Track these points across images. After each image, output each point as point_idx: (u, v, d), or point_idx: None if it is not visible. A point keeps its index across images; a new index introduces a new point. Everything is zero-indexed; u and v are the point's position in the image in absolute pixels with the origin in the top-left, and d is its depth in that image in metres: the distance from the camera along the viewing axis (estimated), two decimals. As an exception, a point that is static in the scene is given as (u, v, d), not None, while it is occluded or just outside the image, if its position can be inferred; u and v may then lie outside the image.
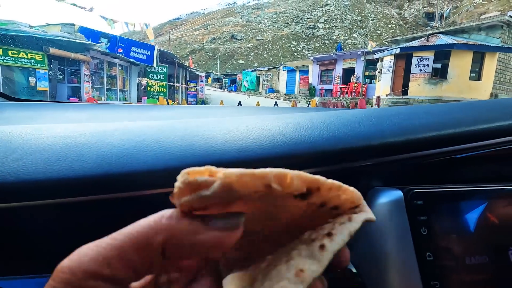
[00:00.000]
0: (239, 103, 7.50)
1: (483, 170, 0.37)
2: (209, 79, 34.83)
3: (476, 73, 12.54)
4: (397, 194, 0.31)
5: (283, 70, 25.14)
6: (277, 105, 7.66)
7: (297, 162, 0.33)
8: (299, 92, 22.04)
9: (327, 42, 49.38)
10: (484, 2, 38.99)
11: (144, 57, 12.82)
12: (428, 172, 0.36)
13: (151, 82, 13.67)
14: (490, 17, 15.04)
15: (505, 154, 0.36)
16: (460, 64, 12.38)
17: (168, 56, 15.64)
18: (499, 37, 12.42)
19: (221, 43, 58.09)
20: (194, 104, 15.49)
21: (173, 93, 16.34)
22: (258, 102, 8.13)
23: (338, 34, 49.59)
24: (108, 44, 11.59)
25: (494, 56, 12.39)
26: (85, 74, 10.25)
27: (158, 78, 14.03)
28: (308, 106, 8.14)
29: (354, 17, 52.61)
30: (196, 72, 20.74)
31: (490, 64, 12.45)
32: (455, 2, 46.95)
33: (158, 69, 13.98)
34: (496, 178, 0.36)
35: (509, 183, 0.33)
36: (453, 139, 0.35)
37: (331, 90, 19.94)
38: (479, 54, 12.35)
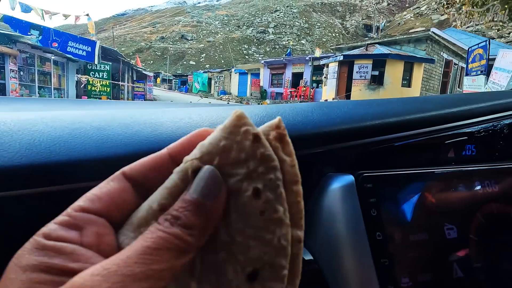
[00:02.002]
0: None
1: (420, 156, 0.40)
2: (158, 80, 33.38)
3: (407, 81, 14.05)
4: (349, 178, 0.32)
5: (235, 73, 25.26)
6: (229, 107, 7.65)
7: None
8: (251, 95, 22.33)
9: (277, 47, 50.98)
10: (412, 19, 43.96)
11: (84, 53, 11.74)
12: (374, 159, 0.38)
13: (92, 80, 12.60)
14: (417, 31, 17.02)
15: (437, 142, 0.40)
16: (394, 72, 13.76)
17: (112, 54, 14.60)
18: (424, 50, 14.10)
19: (170, 43, 56.19)
20: (142, 105, 14.64)
21: (118, 93, 15.28)
22: (210, 103, 7.99)
23: (288, 40, 51.53)
24: (40, 37, 10.36)
25: (421, 66, 14.02)
26: (11, 69, 9.04)
27: (100, 76, 12.99)
28: (260, 108, 8.34)
29: (302, 25, 55.19)
30: (144, 72, 19.71)
31: (418, 73, 14.06)
32: (388, 16, 52.11)
33: (101, 66, 12.95)
34: (431, 163, 0.39)
35: (442, 167, 0.36)
36: (394, 127, 0.37)
37: (282, 93, 20.60)
38: (409, 64, 13.87)
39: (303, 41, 51.44)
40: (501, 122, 0.44)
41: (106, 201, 0.17)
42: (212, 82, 28.23)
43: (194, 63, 48.35)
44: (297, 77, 20.48)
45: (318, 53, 17.99)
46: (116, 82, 14.25)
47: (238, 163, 0.18)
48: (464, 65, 12.40)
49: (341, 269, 0.29)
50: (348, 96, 14.67)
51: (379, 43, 15.34)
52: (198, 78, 28.78)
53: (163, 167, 0.18)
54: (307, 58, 20.04)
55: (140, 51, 52.33)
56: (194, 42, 55.47)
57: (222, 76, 27.48)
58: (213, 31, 58.23)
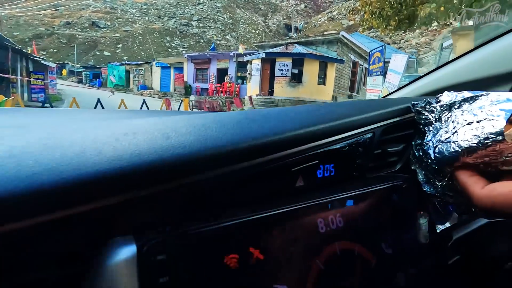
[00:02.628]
0: (98, 102, 6.34)
1: (257, 194, 0.32)
2: (64, 72, 29.15)
3: (322, 79, 15.32)
4: (128, 250, 0.23)
5: (156, 66, 23.71)
6: (146, 104, 7.02)
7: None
8: (175, 90, 21.33)
9: (202, 41, 49.85)
10: (326, 22, 48.20)
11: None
12: (189, 204, 0.27)
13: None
14: (329, 34, 18.69)
15: (281, 170, 0.32)
16: (311, 70, 14.84)
17: (-4, 38, 12.02)
18: (336, 51, 15.57)
19: (78, 30, 49.52)
20: (42, 101, 12.51)
21: (8, 88, 12.71)
22: (122, 100, 7.16)
23: (212, 34, 50.83)
24: None
25: (333, 65, 15.45)
26: None
27: (-21, 65, 10.55)
28: (180, 106, 7.83)
29: (226, 20, 55.10)
30: (44, 62, 16.84)
31: (331, 72, 15.47)
32: (306, 18, 56.06)
33: (-20, 54, 10.53)
34: (271, 199, 0.32)
35: (275, 209, 0.28)
36: (221, 159, 0.28)
37: (207, 89, 20.23)
38: (324, 63, 15.14)
39: (227, 37, 51.45)
40: (363, 137, 0.40)
41: None
42: (131, 75, 25.95)
43: (109, 54, 43.70)
44: (222, 72, 20.36)
45: (241, 49, 18.18)
46: (4, 76, 11.79)
47: None
48: (367, 66, 14.18)
49: None
50: (271, 93, 15.25)
51: (297, 43, 16.32)
52: (113, 71, 26.07)
53: None
54: (231, 54, 20.08)
55: (39, 37, 44.73)
56: (108, 31, 50.06)
57: (142, 70, 25.49)
58: (130, 19, 53.49)
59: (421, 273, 0.39)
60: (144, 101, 6.89)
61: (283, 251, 0.28)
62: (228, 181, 0.28)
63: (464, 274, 0.45)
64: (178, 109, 8.05)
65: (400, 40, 29.66)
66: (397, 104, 0.46)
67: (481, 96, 0.34)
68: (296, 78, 15.06)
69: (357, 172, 0.39)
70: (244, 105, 14.48)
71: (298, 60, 14.92)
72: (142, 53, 43.97)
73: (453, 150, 0.33)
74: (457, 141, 0.32)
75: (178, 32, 51.24)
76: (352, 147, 0.37)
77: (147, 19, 54.43)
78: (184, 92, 21.14)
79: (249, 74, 16.77)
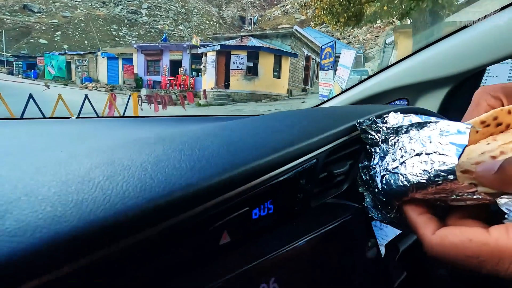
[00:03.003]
0: (30, 98, 5.40)
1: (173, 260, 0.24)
2: (-10, 61, 25.54)
3: (278, 72, 15.53)
4: None
5: (102, 57, 21.92)
6: (89, 100, 6.37)
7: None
8: (124, 83, 19.98)
9: (153, 31, 47.27)
10: (280, 16, 48.81)
11: None
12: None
13: None
14: (283, 28, 18.96)
15: (200, 227, 0.25)
16: (266, 64, 14.94)
17: None
18: (290, 45, 15.86)
19: (6, 13, 43.65)
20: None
21: None
22: (60, 96, 6.34)
23: (164, 24, 48.42)
24: None
25: (288, 59, 15.73)
26: None
27: None
28: (128, 101, 7.26)
29: (178, 9, 52.83)
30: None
31: (285, 66, 15.74)
32: (260, 11, 56.16)
33: None
34: (190, 266, 0.25)
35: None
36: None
37: (160, 82, 19.28)
38: (278, 57, 15.33)
39: (180, 27, 49.45)
40: (306, 165, 0.35)
41: None
42: (73, 66, 23.65)
43: (46, 42, 39.32)
44: (176, 65, 19.56)
45: (195, 40, 17.59)
46: None
47: None
48: (319, 61, 14.68)
49: None
50: (227, 86, 15.06)
51: (252, 36, 16.27)
52: (51, 61, 23.52)
53: None
54: (185, 45, 19.34)
55: (-44, 20, 38.53)
56: (44, 16, 44.88)
57: (85, 60, 23.38)
58: (70, 4, 48.52)
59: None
60: (86, 97, 6.22)
61: None
62: (128, 257, 0.21)
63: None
64: (126, 105, 7.48)
65: (349, 36, 31.26)
66: (344, 121, 0.42)
67: (429, 123, 0.30)
68: (252, 71, 15.05)
69: (300, 204, 0.35)
70: (200, 99, 14.10)
71: (253, 53, 14.90)
72: (86, 42, 40.32)
73: (401, 184, 0.29)
74: (405, 174, 0.29)
75: (126, 20, 47.87)
76: (293, 179, 0.32)
77: (90, 4, 49.87)
78: (135, 85, 19.90)
79: (203, 66, 16.34)
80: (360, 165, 0.40)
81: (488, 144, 0.25)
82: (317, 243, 0.31)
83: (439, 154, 0.26)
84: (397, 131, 0.34)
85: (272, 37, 16.20)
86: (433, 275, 0.47)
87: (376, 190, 0.34)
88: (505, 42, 0.63)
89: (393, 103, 1.04)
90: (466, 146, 0.24)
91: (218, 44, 15.36)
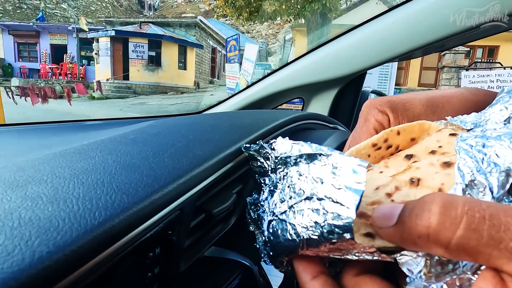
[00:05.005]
0: None
1: None
2: None
3: (183, 63, 14.88)
4: None
5: None
6: None
7: None
8: (-16, 70, 15.80)
9: (26, 7, 38.75)
10: (183, 4, 46.86)
11: None
12: None
13: None
14: (187, 17, 18.21)
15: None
16: (170, 54, 14.11)
17: None
18: (194, 35, 15.37)
19: None
20: None
21: None
22: None
23: (40, 0, 40.27)
24: None
25: (193, 50, 15.23)
26: None
27: None
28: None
29: (59, -16, 44.68)
30: None
31: (191, 57, 15.21)
32: (162, -4, 52.69)
33: None
34: None
35: None
36: None
37: (39, 70, 15.97)
38: (183, 47, 14.67)
39: (64, 6, 42.04)
40: (165, 220, 0.26)
41: None
42: None
43: None
44: (60, 50, 16.52)
45: (83, 23, 15.18)
46: None
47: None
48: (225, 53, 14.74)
49: None
50: (126, 77, 13.60)
51: (153, 23, 15.07)
52: None
53: None
54: (70, 27, 16.48)
55: None
56: None
57: None
58: None
59: None
60: None
61: None
62: None
63: None
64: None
65: (253, 30, 32.43)
66: (226, 146, 0.32)
67: (320, 156, 0.24)
68: (155, 62, 13.99)
69: (155, 282, 0.25)
70: (93, 91, 12.31)
71: (155, 42, 13.85)
72: None
73: (290, 238, 0.24)
74: (294, 225, 0.24)
75: (-18, -10, 37.77)
76: (142, 247, 0.23)
77: None
78: (2, 73, 15.96)
79: (96, 54, 14.32)
80: (248, 199, 0.31)
81: (381, 172, 0.24)
82: None
83: (333, 201, 0.22)
84: (285, 162, 0.27)
85: (175, 26, 15.37)
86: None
87: (265, 239, 0.27)
88: (385, 47, 0.65)
89: (289, 102, 1.04)
90: (363, 192, 0.20)
91: (113, 29, 13.66)
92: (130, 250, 0.22)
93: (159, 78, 13.88)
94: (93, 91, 12.32)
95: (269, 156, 0.30)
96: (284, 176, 0.27)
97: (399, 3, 0.64)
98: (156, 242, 0.25)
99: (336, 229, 0.21)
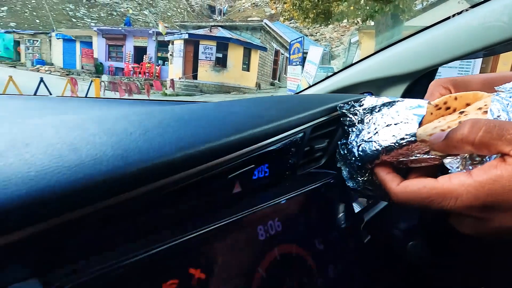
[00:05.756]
0: None
1: (191, 208, 0.29)
2: None
3: (247, 65, 15.51)
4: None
5: (57, 38, 20.20)
6: (44, 84, 5.86)
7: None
8: (82, 68, 18.65)
9: (115, 13, 44.45)
10: (249, 8, 48.53)
11: None
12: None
13: None
14: (253, 20, 18.91)
15: (217, 180, 0.30)
16: (235, 56, 14.84)
17: None
18: (259, 38, 15.89)
19: None
20: None
21: None
22: (11, 78, 5.77)
23: (127, 7, 45.73)
24: None
25: (257, 52, 15.77)
26: None
27: None
28: (89, 87, 6.78)
29: (143, -7, 50.12)
30: None
31: (255, 59, 15.76)
32: (230, 1, 55.34)
33: None
34: (208, 211, 0.30)
35: (210, 224, 0.27)
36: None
37: (123, 69, 18.29)
38: (248, 49, 15.30)
39: (145, 12, 47.04)
40: (295, 137, 0.41)
41: None
42: (22, 47, 21.49)
43: (-12, 17, 35.22)
44: (141, 51, 18.66)
45: (162, 27, 16.88)
46: None
47: None
48: (288, 56, 14.94)
49: None
50: (195, 76, 14.74)
51: (222, 26, 16.03)
52: (-3, 40, 21.17)
53: None
54: (150, 31, 18.50)
55: None
56: (-13, -12, 40.06)
57: (37, 41, 21.39)
58: (18, -23, 43.79)
59: (346, 256, 0.43)
60: (41, 80, 5.70)
61: (225, 266, 0.27)
62: (157, 198, 0.24)
63: (378, 251, 0.52)
64: (88, 90, 6.99)
65: (316, 33, 32.06)
66: (325, 103, 0.48)
67: (397, 102, 0.38)
68: (221, 63, 14.87)
69: (289, 170, 0.40)
70: (166, 88, 13.66)
71: (223, 44, 14.71)
72: (37, 21, 36.78)
73: (374, 149, 0.37)
74: (378, 141, 0.36)
75: (84, 0, 44.42)
76: (285, 147, 0.38)
77: (42, -21, 45.43)
78: (95, 70, 18.68)
79: (170, 55, 15.80)
80: (339, 142, 0.47)
81: (439, 122, 0.33)
82: (304, 197, 0.38)
83: (405, 123, 0.34)
84: (371, 110, 0.41)
85: (241, 29, 16.10)
86: (390, 235, 0.57)
87: (353, 159, 0.41)
88: (454, 45, 0.74)
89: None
90: (424, 117, 0.33)
91: (186, 33, 14.92)
92: (279, 146, 0.36)
93: (224, 78, 14.72)
94: (166, 88, 13.65)
95: (357, 112, 0.45)
96: (370, 120, 0.42)
97: (478, 1, 0.71)
98: (290, 147, 0.40)
99: (406, 136, 0.34)
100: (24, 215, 0.17)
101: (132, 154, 0.22)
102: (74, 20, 39.53)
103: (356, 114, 0.45)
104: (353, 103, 0.46)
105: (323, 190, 0.41)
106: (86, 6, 43.70)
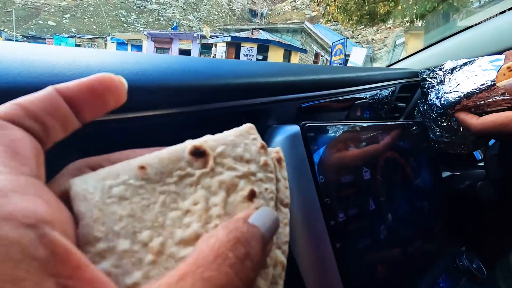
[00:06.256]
0: None
1: (338, 113, 0.45)
2: (0, 39, 25.67)
3: (286, 67, 15.61)
4: (295, 128, 0.33)
5: (112, 42, 22.03)
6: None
7: (194, 94, 0.29)
8: (133, 69, 20.08)
9: (162, 19, 47.12)
10: (290, 11, 48.57)
11: None
12: (303, 113, 0.41)
13: None
14: (294, 23, 18.99)
15: (349, 103, 0.46)
16: (275, 58, 15.05)
17: None
18: (300, 40, 15.94)
19: (16, -7, 43.54)
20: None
21: None
22: None
23: (173, 13, 48.26)
24: None
25: (297, 54, 15.83)
26: None
27: None
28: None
29: (188, -1, 52.53)
30: (-25, 26, 14.65)
31: (294, 61, 15.84)
32: (270, 5, 55.82)
33: None
34: (346, 118, 0.46)
35: (358, 121, 0.42)
36: (324, 84, 0.41)
37: (168, 70, 19.35)
38: (288, 51, 15.43)
39: (190, 17, 49.26)
40: (383, 92, 0.55)
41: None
42: (82, 50, 23.79)
43: (54, 24, 39.30)
44: (185, 53, 19.65)
45: (206, 31, 17.66)
46: None
47: (241, 160, 0.17)
48: (328, 58, 14.78)
49: (292, 209, 0.30)
50: (235, 78, 15.16)
51: (263, 29, 16.35)
52: (61, 43, 23.62)
53: (59, 111, 0.14)
54: (195, 35, 19.42)
55: (-34, -3, 38.50)
56: (53, -2, 44.79)
57: (95, 44, 23.52)
58: (80, -13, 48.31)
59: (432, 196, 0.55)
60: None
61: (367, 149, 0.42)
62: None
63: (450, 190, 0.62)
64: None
65: (358, 35, 31.17)
66: (409, 72, 0.62)
67: (476, 59, 0.50)
68: (261, 65, 15.14)
69: (383, 115, 0.55)
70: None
71: (263, 47, 15.01)
72: (94, 26, 40.30)
73: (456, 96, 0.49)
74: (459, 90, 0.49)
75: (135, 7, 47.71)
76: (378, 98, 0.52)
77: (99, -12, 49.64)
78: (143, 71, 19.98)
79: (213, 57, 16.44)
80: (418, 101, 0.60)
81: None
82: (403, 128, 0.52)
83: (484, 73, 0.46)
84: (452, 70, 0.54)
85: (282, 32, 16.28)
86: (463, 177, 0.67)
87: (434, 109, 0.54)
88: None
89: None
90: (498, 76, 0.43)
91: (229, 35, 15.45)
92: (389, 90, 0.54)
93: (263, 79, 14.97)
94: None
95: (437, 76, 0.58)
96: (450, 78, 0.54)
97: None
98: (381, 101, 0.55)
99: (486, 82, 0.44)
100: None
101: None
102: (125, 25, 42.69)
103: (435, 78, 0.58)
104: (433, 68, 0.58)
105: (417, 128, 0.54)
106: (136, 12, 46.92)
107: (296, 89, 0.38)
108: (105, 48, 22.66)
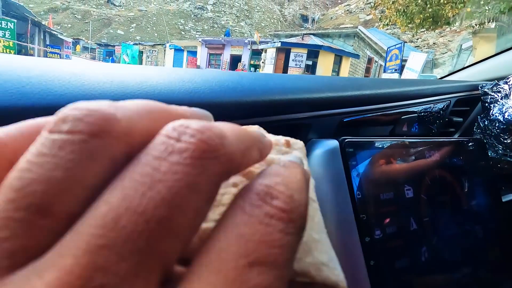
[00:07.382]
0: None
1: (382, 128, 0.45)
2: (78, 47, 29.30)
3: (336, 73, 15.22)
4: (333, 143, 0.34)
5: (170, 48, 23.72)
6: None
7: (236, 110, 0.31)
8: (187, 74, 21.35)
9: (216, 26, 49.37)
10: (343, 15, 47.28)
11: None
12: (345, 128, 0.41)
13: (-11, 39, 10.37)
14: (346, 27, 18.44)
15: (395, 117, 0.45)
16: (325, 63, 14.75)
17: (17, 9, 12.19)
18: (352, 45, 15.42)
19: (93, 6, 49.36)
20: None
21: (26, 58, 12.89)
22: None
23: (227, 20, 50.29)
24: None
25: (348, 60, 15.33)
26: None
27: (1, 35, 10.76)
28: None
29: (241, 6, 54.29)
30: (60, 36, 17.01)
31: (345, 66, 15.36)
32: (323, 10, 54.98)
33: (1, 23, 10.71)
34: (391, 134, 0.45)
35: (402, 137, 0.41)
36: (367, 100, 0.41)
37: (219, 75, 20.17)
38: (339, 57, 15.02)
39: (242, 23, 50.83)
40: (436, 105, 0.52)
41: None
42: (144, 56, 26.03)
43: (122, 32, 43.66)
44: (236, 59, 20.31)
45: (256, 37, 18.05)
46: (22, 43, 11.96)
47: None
48: (382, 63, 14.03)
49: (325, 223, 0.31)
50: (283, 83, 15.20)
51: (314, 34, 16.17)
52: (127, 50, 26.11)
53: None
54: (246, 41, 19.98)
55: (55, 11, 44.75)
56: (123, 10, 49.82)
57: (155, 51, 25.55)
58: (145, -1, 53.04)
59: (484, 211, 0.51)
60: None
61: (410, 166, 0.41)
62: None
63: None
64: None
65: (417, 39, 29.09)
66: (465, 84, 0.58)
67: None
68: (310, 70, 14.98)
69: (435, 130, 0.52)
70: (256, 94, 14.49)
71: (313, 52, 14.82)
72: (155, 34, 43.81)
73: None
74: None
75: (192, 15, 50.77)
76: (429, 112, 0.50)
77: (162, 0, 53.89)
78: (196, 76, 21.12)
79: (262, 62, 16.72)
80: (479, 116, 0.55)
81: None
82: (454, 146, 0.49)
83: None
84: None
85: (334, 37, 15.92)
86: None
87: (497, 125, 0.50)
88: None
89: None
90: None
91: (279, 41, 15.57)
92: (438, 105, 0.52)
93: (312, 85, 14.76)
94: (256, 94, 14.49)
95: (501, 90, 0.53)
96: None
97: None
98: (433, 115, 0.52)
99: None
100: None
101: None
102: (183, 33, 45.65)
103: (499, 92, 0.53)
104: (496, 81, 0.54)
105: (472, 145, 0.50)
106: (193, 20, 49.91)
107: (338, 104, 0.39)
108: (164, 53, 24.46)
